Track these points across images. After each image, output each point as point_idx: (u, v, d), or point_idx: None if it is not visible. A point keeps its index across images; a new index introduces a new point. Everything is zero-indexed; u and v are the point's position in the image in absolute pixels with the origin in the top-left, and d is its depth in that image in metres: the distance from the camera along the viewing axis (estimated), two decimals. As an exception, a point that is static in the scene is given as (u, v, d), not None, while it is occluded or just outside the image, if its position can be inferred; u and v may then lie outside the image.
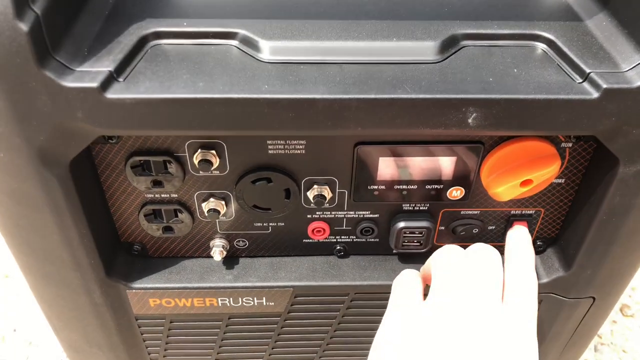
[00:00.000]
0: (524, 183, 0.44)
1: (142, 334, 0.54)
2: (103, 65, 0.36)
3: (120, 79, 0.36)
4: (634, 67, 0.37)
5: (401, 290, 0.46)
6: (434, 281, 0.44)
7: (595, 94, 0.36)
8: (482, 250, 0.45)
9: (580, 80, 0.38)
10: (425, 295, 0.44)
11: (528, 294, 0.43)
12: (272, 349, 0.57)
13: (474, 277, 0.42)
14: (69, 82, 0.34)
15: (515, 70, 0.39)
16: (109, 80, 0.35)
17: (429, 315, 0.41)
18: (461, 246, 0.52)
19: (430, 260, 0.46)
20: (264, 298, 0.51)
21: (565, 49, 0.39)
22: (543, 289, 0.51)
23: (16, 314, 0.92)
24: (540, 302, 0.53)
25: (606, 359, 0.87)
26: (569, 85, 0.37)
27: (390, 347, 0.41)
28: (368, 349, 0.44)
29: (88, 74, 0.35)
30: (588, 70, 0.37)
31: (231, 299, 0.50)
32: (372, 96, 0.36)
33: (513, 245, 0.48)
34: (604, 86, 0.36)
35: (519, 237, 0.48)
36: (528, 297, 0.43)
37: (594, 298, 0.52)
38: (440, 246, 0.51)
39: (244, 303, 0.51)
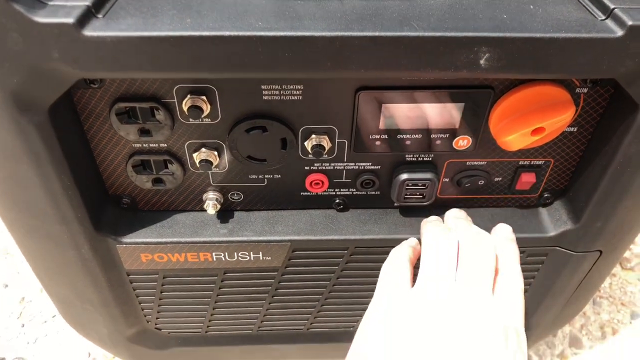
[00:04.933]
0: (536, 131, 0.41)
1: (134, 290, 0.52)
2: (79, -1, 0.32)
3: (100, 15, 0.33)
4: (663, 1, 0.34)
5: (389, 278, 0.43)
6: (423, 267, 0.41)
7: (619, 32, 0.33)
8: (475, 238, 0.42)
9: (603, 17, 0.35)
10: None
11: (517, 291, 0.40)
12: (269, 304, 0.55)
13: (464, 269, 0.39)
14: (41, 17, 0.31)
15: (532, 6, 0.36)
16: (87, 16, 0.32)
17: (415, 306, 0.39)
18: (464, 202, 0.50)
19: (422, 239, 0.43)
20: (261, 252, 0.49)
21: (587, -18, 0.36)
22: (549, 243, 0.50)
23: (7, 269, 0.90)
24: (546, 255, 0.51)
25: (604, 312, 0.87)
26: (590, 22, 0.34)
27: (375, 336, 0.39)
28: (367, 304, 0.42)
29: (63, 9, 0.32)
30: (612, 6, 0.34)
31: (226, 253, 0.49)
32: (377, 34, 0.33)
33: (501, 241, 0.44)
34: (630, 23, 0.33)
35: (506, 234, 0.44)
36: (517, 294, 0.40)
37: (601, 251, 0.50)
38: (444, 200, 0.50)
39: (239, 258, 0.49)
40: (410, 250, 0.45)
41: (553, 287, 0.55)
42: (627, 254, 0.96)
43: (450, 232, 0.43)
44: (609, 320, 0.86)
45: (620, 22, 0.34)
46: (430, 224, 0.45)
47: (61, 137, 0.38)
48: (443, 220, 0.46)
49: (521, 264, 0.42)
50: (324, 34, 0.33)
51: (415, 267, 0.43)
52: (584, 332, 0.84)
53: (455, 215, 0.45)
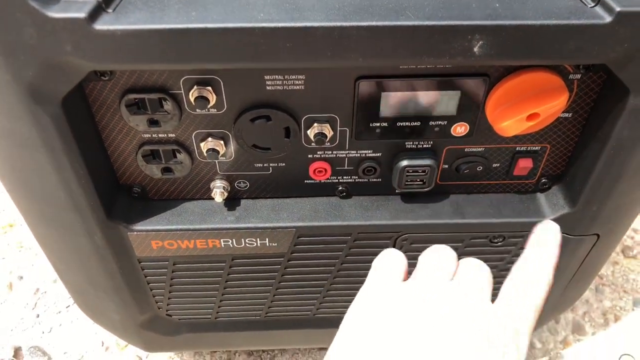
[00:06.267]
0: (531, 117, 0.42)
1: (145, 277, 0.54)
2: (90, -5, 0.34)
3: (109, 10, 0.34)
4: (650, -12, 0.35)
5: (381, 271, 0.39)
6: (419, 266, 0.39)
7: (607, 18, 0.35)
8: (474, 264, 0.38)
9: (592, 4, 0.36)
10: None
11: (528, 301, 0.35)
12: (276, 289, 0.57)
13: (461, 275, 0.37)
14: (55, 13, 0.33)
15: (524, -5, 0.37)
16: (97, 11, 0.34)
17: (404, 298, 0.36)
18: (463, 188, 0.51)
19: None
20: (267, 239, 0.50)
21: (577, -29, 0.37)
22: (547, 227, 0.51)
23: (22, 262, 0.93)
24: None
25: (607, 299, 0.88)
26: (580, 9, 0.36)
27: (359, 324, 0.35)
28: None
29: (75, 4, 0.33)
30: (601, -7, 0.35)
31: (234, 240, 0.50)
32: (374, 23, 0.34)
33: (537, 241, 0.39)
34: (618, 9, 0.34)
35: (549, 233, 0.40)
36: (527, 305, 0.35)
37: (598, 235, 0.52)
38: (444, 186, 0.51)
39: (246, 244, 0.51)
40: (402, 254, 0.41)
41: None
42: (629, 242, 0.97)
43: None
44: (611, 307, 0.87)
45: (608, 9, 0.35)
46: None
47: (74, 127, 0.40)
48: None
49: (520, 248, 0.40)
50: (323, 24, 0.34)
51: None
52: (586, 318, 0.85)
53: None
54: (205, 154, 0.45)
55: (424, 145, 0.47)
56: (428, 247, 0.40)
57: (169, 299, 0.58)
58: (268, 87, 0.42)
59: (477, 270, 0.37)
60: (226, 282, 0.55)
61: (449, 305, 0.34)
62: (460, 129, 0.45)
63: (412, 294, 0.36)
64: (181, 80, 0.41)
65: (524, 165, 0.49)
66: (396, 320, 0.34)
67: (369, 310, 0.36)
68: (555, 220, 0.50)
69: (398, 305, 0.35)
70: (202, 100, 0.41)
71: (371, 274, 0.39)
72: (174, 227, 0.49)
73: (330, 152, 0.47)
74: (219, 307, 0.59)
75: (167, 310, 0.60)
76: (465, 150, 0.48)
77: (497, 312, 0.34)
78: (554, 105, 0.42)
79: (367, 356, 0.33)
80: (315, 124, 0.44)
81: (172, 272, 0.54)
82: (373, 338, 0.34)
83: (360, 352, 0.33)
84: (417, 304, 0.35)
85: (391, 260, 0.39)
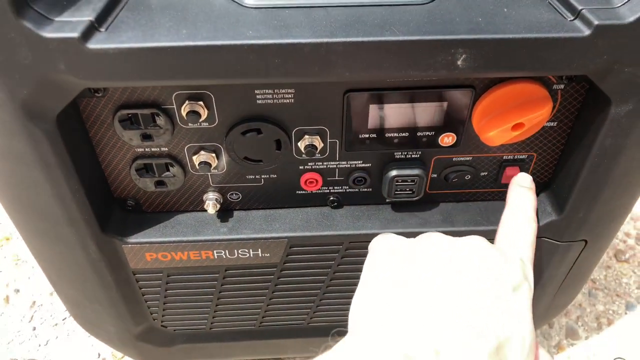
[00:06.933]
0: (516, 127, 0.43)
1: (140, 289, 0.55)
2: (83, 15, 0.35)
3: (102, 29, 0.35)
4: (627, 2, 0.36)
5: (381, 244, 0.45)
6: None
7: (586, 32, 0.36)
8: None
9: (572, 18, 0.37)
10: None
11: (524, 238, 0.44)
12: (270, 299, 0.58)
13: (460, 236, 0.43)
14: (49, 33, 0.33)
15: (506, 9, 0.38)
16: (90, 30, 0.35)
17: (414, 248, 0.41)
18: (453, 197, 0.52)
19: None
20: (260, 249, 0.51)
21: (557, -14, 0.38)
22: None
23: (18, 275, 0.93)
24: (532, 246, 0.53)
25: (600, 303, 0.88)
26: (560, 23, 0.37)
27: (376, 274, 0.41)
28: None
29: (68, 24, 0.34)
30: (580, 7, 0.36)
31: (227, 251, 0.51)
32: (359, 39, 0.35)
33: (514, 187, 0.48)
34: (596, 23, 0.35)
35: (522, 181, 0.48)
36: (524, 240, 0.43)
37: (586, 241, 0.53)
38: (433, 195, 0.52)
39: (239, 255, 0.51)
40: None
41: (542, 277, 0.57)
42: (621, 246, 0.98)
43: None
44: (604, 311, 0.88)
45: (587, 22, 0.36)
46: None
47: (69, 143, 0.41)
48: None
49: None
50: (310, 40, 0.35)
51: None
52: (579, 323, 0.86)
53: None
54: (197, 167, 0.46)
55: (413, 156, 0.48)
56: None
57: (163, 310, 0.58)
58: (258, 101, 0.42)
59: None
60: (220, 292, 0.56)
61: (457, 249, 0.39)
62: (447, 139, 0.46)
63: (420, 244, 0.41)
64: (173, 96, 0.41)
65: (511, 173, 0.50)
66: (412, 266, 0.39)
67: (384, 261, 0.41)
68: (542, 227, 0.51)
69: (410, 254, 0.40)
70: (194, 114, 0.42)
71: (371, 248, 0.45)
72: (167, 239, 0.50)
73: (321, 163, 0.48)
74: (213, 317, 0.60)
75: (162, 322, 0.60)
76: (454, 159, 0.49)
77: (501, 248, 0.41)
78: (538, 115, 0.43)
79: (387, 302, 0.37)
80: (306, 136, 0.45)
81: (167, 283, 0.54)
82: (391, 286, 0.38)
83: (381, 298, 0.38)
84: (427, 251, 0.40)
85: (388, 237, 0.45)
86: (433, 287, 0.36)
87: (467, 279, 0.37)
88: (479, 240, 0.40)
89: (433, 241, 0.41)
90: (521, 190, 0.48)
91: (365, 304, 0.39)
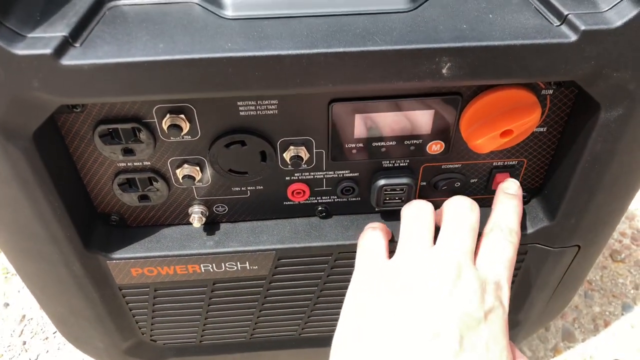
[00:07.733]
0: (504, 134, 0.43)
1: (127, 304, 0.54)
2: (57, 30, 0.34)
3: (77, 44, 0.34)
4: (614, 6, 0.35)
5: (365, 254, 0.47)
6: (400, 238, 0.45)
7: (573, 37, 0.35)
8: (458, 199, 0.46)
9: (558, 23, 0.36)
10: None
11: (502, 257, 0.43)
12: (260, 311, 0.57)
13: (443, 231, 0.44)
14: (20, 50, 0.32)
15: (491, 15, 0.37)
16: (64, 46, 0.34)
17: (388, 279, 0.42)
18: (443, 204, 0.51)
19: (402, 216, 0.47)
20: (247, 262, 0.50)
21: (543, -10, 0.38)
22: (528, 240, 0.51)
23: (8, 289, 0.92)
24: (525, 252, 0.53)
25: (596, 305, 0.88)
26: (546, 28, 0.36)
27: (350, 307, 0.44)
28: (354, 308, 0.44)
29: (41, 40, 0.33)
30: (566, 12, 0.36)
31: (214, 264, 0.50)
32: (341, 49, 0.34)
33: (499, 196, 0.48)
34: (582, 28, 0.34)
35: (507, 189, 0.48)
36: (501, 261, 0.43)
37: (579, 246, 0.52)
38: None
39: (227, 268, 0.50)
40: (383, 226, 0.49)
41: (536, 283, 0.56)
42: (617, 247, 0.97)
43: (427, 203, 0.46)
44: (600, 312, 0.87)
45: (574, 28, 0.35)
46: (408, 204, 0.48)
47: (47, 160, 0.40)
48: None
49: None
50: (290, 52, 0.34)
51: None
52: (576, 325, 0.85)
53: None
54: (181, 181, 0.45)
55: (401, 164, 0.47)
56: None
57: (152, 324, 0.57)
58: (241, 113, 0.42)
59: (456, 226, 0.43)
60: (209, 306, 0.55)
61: (429, 278, 0.40)
62: (435, 147, 0.45)
63: (393, 273, 0.42)
64: (154, 109, 0.41)
65: (502, 179, 0.49)
66: (382, 300, 0.41)
67: (360, 295, 0.44)
68: (535, 233, 0.50)
69: (382, 287, 0.42)
70: (176, 128, 0.41)
71: (358, 254, 0.47)
72: (153, 254, 0.49)
73: (307, 173, 0.47)
74: (203, 330, 0.59)
75: (151, 336, 0.59)
76: (442, 167, 0.48)
77: (477, 272, 0.41)
78: (527, 121, 0.42)
79: (363, 334, 0.40)
80: (291, 147, 0.44)
81: (154, 298, 0.53)
82: (366, 320, 0.41)
83: (357, 331, 0.41)
84: (398, 283, 0.41)
85: (373, 241, 0.47)
86: (403, 323, 0.39)
87: (437, 309, 0.39)
88: (460, 257, 0.41)
89: (412, 264, 0.42)
90: (506, 199, 0.47)
91: (342, 332, 0.43)
